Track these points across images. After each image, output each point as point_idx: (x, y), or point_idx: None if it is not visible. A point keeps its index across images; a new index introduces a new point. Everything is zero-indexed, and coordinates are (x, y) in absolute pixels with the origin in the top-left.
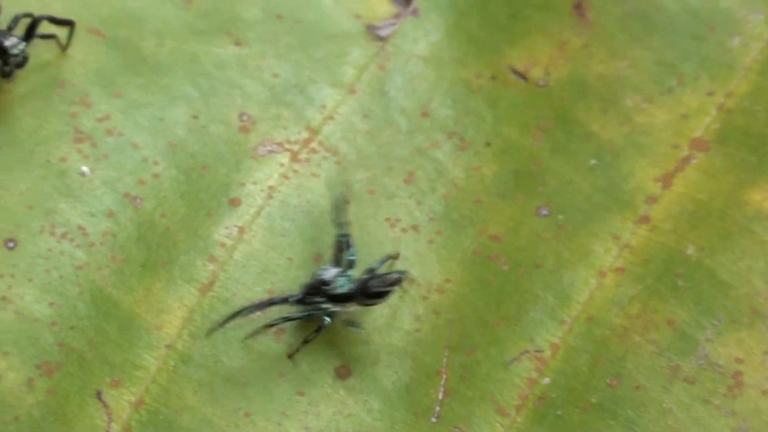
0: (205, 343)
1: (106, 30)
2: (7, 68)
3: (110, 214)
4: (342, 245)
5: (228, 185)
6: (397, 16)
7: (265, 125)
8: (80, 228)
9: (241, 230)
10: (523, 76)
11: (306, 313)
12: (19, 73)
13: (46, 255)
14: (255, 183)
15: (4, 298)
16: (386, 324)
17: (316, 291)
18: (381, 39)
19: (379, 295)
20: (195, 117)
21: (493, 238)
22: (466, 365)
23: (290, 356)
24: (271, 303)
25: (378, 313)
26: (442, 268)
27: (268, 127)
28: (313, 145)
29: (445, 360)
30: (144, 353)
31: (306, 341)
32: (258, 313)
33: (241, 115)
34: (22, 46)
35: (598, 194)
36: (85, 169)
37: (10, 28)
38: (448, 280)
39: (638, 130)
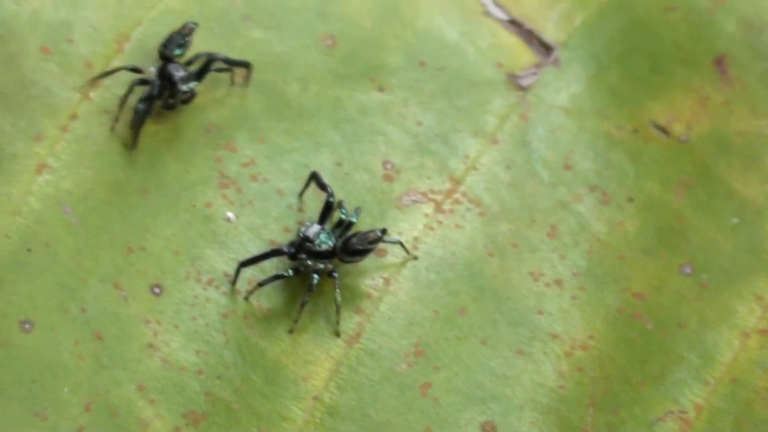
0: (352, 396)
1: (255, 74)
2: (171, 101)
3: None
4: (330, 205)
5: None
6: (538, 65)
7: (408, 174)
8: (226, 275)
9: (387, 281)
10: (664, 130)
11: (293, 271)
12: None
13: (192, 302)
14: (400, 233)
15: (150, 345)
16: (531, 380)
17: (300, 248)
18: (522, 88)
19: (360, 253)
20: (339, 164)
21: (637, 295)
22: (611, 424)
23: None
24: (266, 256)
25: (521, 368)
26: (585, 325)
27: (412, 176)
28: (457, 195)
29: (589, 418)
30: (291, 404)
31: (302, 304)
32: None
33: (384, 162)
34: (192, 84)
35: (741, 254)
36: (230, 215)
37: (188, 63)
38: (591, 337)
39: None
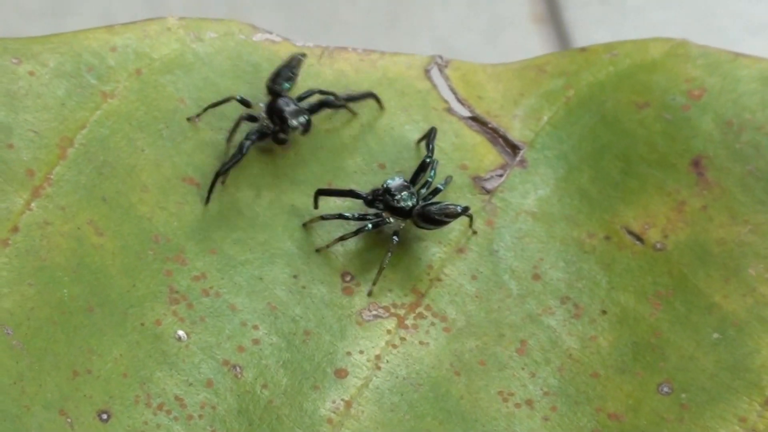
0: None
1: (201, 178)
2: (282, 136)
3: (209, 384)
4: (425, 165)
5: (333, 354)
6: (504, 167)
7: (369, 287)
8: (177, 398)
9: (348, 404)
10: (638, 237)
11: (358, 216)
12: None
13: (142, 428)
14: (361, 352)
15: None
16: None
17: (379, 197)
18: (487, 192)
19: (435, 222)
20: (295, 276)
21: (612, 416)
22: None
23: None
24: (342, 193)
25: None
26: None
27: (373, 289)
28: (420, 309)
29: None
30: None
31: (342, 238)
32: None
33: (343, 275)
34: (303, 119)
35: (723, 372)
36: (181, 333)
37: (300, 98)
38: None
39: (762, 302)
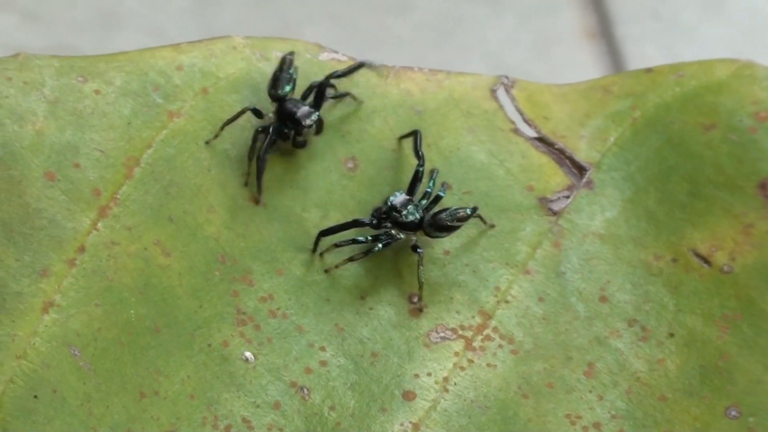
0: None
1: (269, 198)
2: (300, 138)
3: (276, 406)
4: (419, 175)
5: (401, 376)
6: (570, 188)
7: (436, 308)
8: (245, 420)
9: (416, 427)
10: (706, 260)
11: (372, 238)
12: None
13: None
14: (429, 374)
15: None
16: None
17: (385, 216)
18: (554, 213)
19: (447, 229)
20: (362, 298)
21: None
22: None
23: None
24: (345, 226)
25: None
26: None
27: (440, 310)
28: (488, 331)
29: None
30: None
31: (351, 259)
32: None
33: (410, 296)
34: (314, 116)
35: None
36: (248, 354)
37: (304, 97)
38: None
39: None
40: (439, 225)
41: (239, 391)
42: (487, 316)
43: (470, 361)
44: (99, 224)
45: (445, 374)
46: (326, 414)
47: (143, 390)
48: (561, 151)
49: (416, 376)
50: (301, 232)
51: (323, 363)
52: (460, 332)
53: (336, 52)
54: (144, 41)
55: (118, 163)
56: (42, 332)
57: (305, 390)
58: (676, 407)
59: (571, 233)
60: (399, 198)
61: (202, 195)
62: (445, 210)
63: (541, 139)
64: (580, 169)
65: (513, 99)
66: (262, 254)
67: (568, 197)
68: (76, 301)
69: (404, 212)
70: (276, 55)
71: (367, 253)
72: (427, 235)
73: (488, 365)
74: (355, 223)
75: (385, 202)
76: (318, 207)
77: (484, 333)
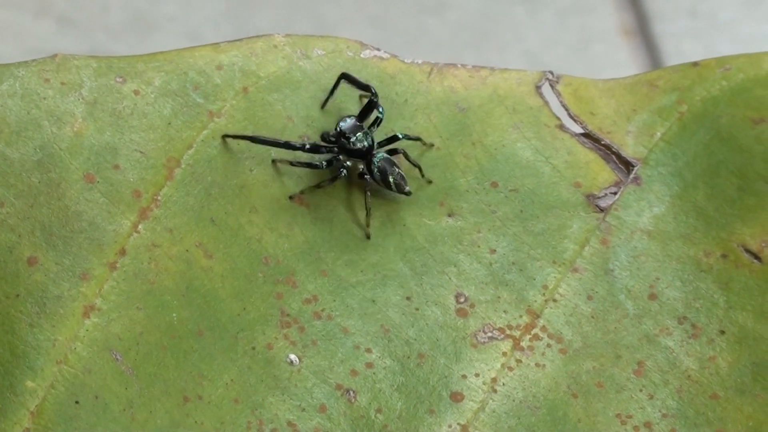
0: None
1: (310, 198)
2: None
3: (322, 409)
4: (372, 104)
5: (448, 377)
6: (617, 184)
7: (483, 308)
8: (290, 424)
9: (464, 428)
10: (756, 256)
11: (326, 163)
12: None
13: None
14: (477, 375)
15: None
16: None
17: (333, 141)
18: (601, 210)
19: (386, 184)
20: (408, 298)
21: None
22: None
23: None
24: (281, 144)
25: None
26: None
27: (488, 310)
28: (536, 330)
29: None
30: None
31: (319, 186)
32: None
33: (457, 296)
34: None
35: None
36: (293, 357)
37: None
38: None
39: None
40: (384, 174)
41: (284, 395)
42: (535, 315)
43: (518, 361)
44: (140, 226)
45: (493, 375)
46: (373, 417)
47: (187, 394)
48: (607, 147)
49: (464, 377)
50: (345, 231)
51: (369, 365)
52: (508, 332)
53: (378, 49)
54: (179, 44)
55: (159, 164)
56: (83, 337)
57: (351, 392)
58: (728, 405)
59: (619, 230)
60: (348, 123)
61: (244, 196)
62: (399, 167)
63: (588, 135)
64: (627, 165)
65: (558, 95)
66: (305, 255)
67: (615, 194)
68: (117, 305)
69: (353, 139)
70: (317, 53)
71: (334, 180)
72: (367, 170)
73: (537, 365)
74: (287, 144)
75: (335, 127)
76: (361, 207)
77: (532, 332)
